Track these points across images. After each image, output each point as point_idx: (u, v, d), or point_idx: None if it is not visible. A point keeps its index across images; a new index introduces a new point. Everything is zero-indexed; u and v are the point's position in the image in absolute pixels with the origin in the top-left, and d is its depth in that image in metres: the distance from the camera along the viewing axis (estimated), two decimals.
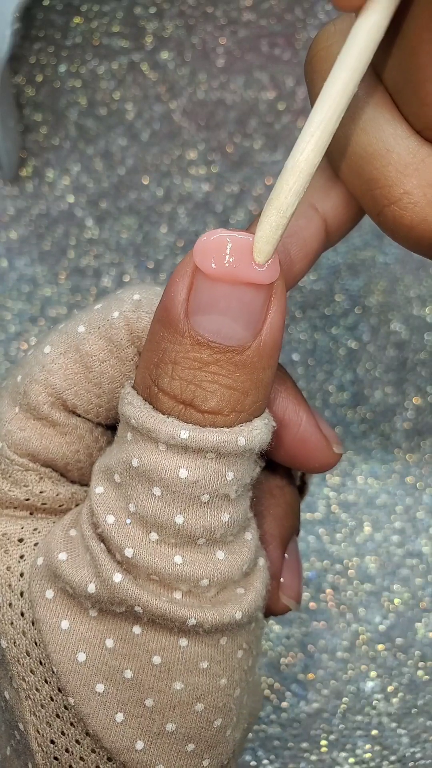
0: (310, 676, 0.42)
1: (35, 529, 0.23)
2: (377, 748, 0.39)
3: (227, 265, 0.19)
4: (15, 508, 0.24)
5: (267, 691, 0.41)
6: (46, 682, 0.22)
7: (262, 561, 0.23)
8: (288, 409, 0.23)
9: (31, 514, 0.24)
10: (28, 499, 0.23)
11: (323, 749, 0.39)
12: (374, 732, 0.40)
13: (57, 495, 0.24)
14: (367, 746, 0.39)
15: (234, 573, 0.21)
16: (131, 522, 0.21)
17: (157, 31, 0.46)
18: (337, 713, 0.41)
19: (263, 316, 0.20)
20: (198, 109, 0.47)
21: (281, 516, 0.25)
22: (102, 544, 0.21)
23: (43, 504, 0.24)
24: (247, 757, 0.39)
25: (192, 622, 0.21)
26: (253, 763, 0.39)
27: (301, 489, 0.27)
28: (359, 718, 0.40)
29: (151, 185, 0.48)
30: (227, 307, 0.20)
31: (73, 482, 0.24)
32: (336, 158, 0.21)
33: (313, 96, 0.20)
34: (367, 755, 0.39)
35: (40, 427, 0.23)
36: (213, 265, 0.19)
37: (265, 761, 0.39)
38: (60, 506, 0.24)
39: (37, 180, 0.47)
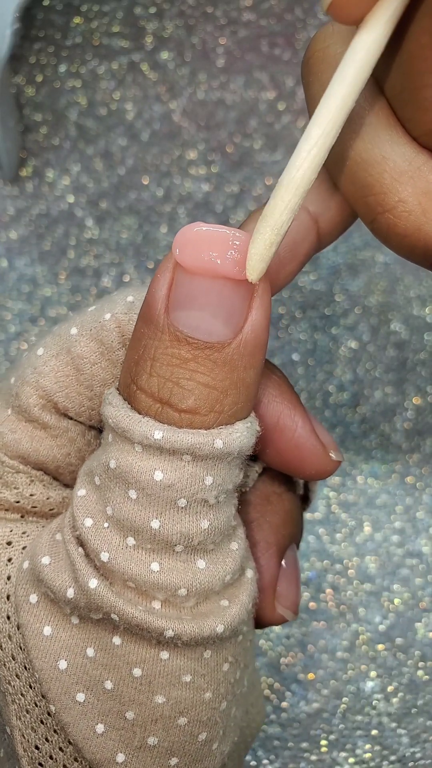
0: (310, 676, 0.42)
1: (24, 533, 0.23)
2: (377, 748, 0.39)
3: (205, 258, 0.19)
4: (6, 510, 0.23)
5: (267, 691, 0.41)
6: (30, 687, 0.21)
7: (250, 573, 0.22)
8: (283, 414, 0.23)
9: (22, 517, 0.23)
10: (18, 502, 0.23)
11: (323, 749, 0.39)
12: (374, 732, 0.40)
13: (48, 499, 0.23)
14: (367, 746, 0.39)
15: (215, 584, 0.21)
16: (109, 526, 0.20)
17: (157, 31, 0.46)
18: (337, 713, 0.41)
19: (245, 313, 0.20)
20: (198, 109, 0.47)
21: (278, 524, 0.24)
22: (80, 548, 0.21)
23: (33, 507, 0.23)
24: (247, 757, 0.39)
25: (170, 633, 0.20)
26: (253, 763, 0.39)
27: (305, 498, 0.27)
28: (359, 718, 0.40)
29: (151, 185, 0.48)
30: (206, 301, 0.19)
31: (66, 486, 0.24)
32: (331, 163, 0.21)
33: (308, 97, 0.20)
34: (367, 755, 0.39)
35: (31, 429, 0.23)
36: (192, 258, 0.19)
37: (265, 761, 0.39)
38: (51, 510, 0.24)
39: (37, 180, 0.47)
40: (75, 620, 0.21)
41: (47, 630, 0.21)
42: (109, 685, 0.21)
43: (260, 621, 0.24)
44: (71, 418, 0.23)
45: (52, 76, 0.46)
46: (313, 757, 0.39)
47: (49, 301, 0.47)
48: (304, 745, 0.39)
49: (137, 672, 0.20)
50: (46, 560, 0.21)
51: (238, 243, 0.19)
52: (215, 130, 0.47)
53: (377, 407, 0.48)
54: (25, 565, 0.22)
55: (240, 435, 0.20)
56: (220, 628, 0.21)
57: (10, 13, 0.40)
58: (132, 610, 0.20)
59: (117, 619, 0.20)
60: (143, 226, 0.48)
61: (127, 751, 0.21)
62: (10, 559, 0.22)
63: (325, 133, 0.18)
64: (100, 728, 0.21)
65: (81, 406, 0.23)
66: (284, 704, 0.41)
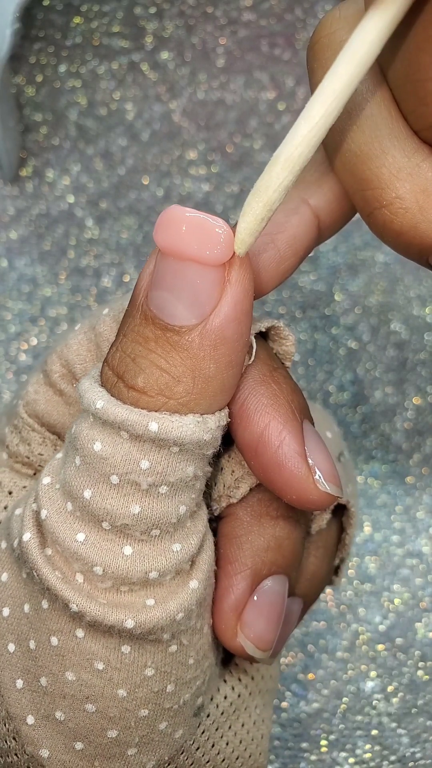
0: (310, 676, 0.42)
1: (24, 487, 0.24)
2: (377, 748, 0.39)
3: (174, 238, 0.19)
4: (23, 464, 0.25)
5: None
6: None
7: (195, 584, 0.21)
8: (269, 427, 0.21)
9: (35, 473, 0.25)
10: (28, 458, 0.24)
11: (323, 749, 0.39)
12: (374, 732, 0.40)
13: None
14: (367, 746, 0.39)
15: (134, 575, 0.20)
16: (60, 488, 0.21)
17: (157, 31, 0.46)
18: (337, 713, 0.41)
19: (213, 301, 0.19)
20: (198, 109, 0.47)
21: (261, 547, 0.23)
22: (35, 504, 0.21)
23: (40, 466, 0.24)
24: None
25: (74, 608, 0.20)
26: None
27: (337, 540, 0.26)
28: (359, 718, 0.40)
29: (151, 185, 0.48)
30: (172, 283, 0.19)
31: None
32: (330, 153, 0.20)
33: (313, 84, 0.20)
34: (367, 755, 0.39)
35: (51, 393, 0.24)
36: (162, 238, 0.19)
37: None
38: None
39: (37, 180, 0.47)
40: (23, 574, 0.21)
41: (4, 576, 0.22)
42: (32, 644, 0.21)
43: (224, 645, 0.23)
44: None
45: (52, 76, 0.46)
46: (313, 757, 0.39)
47: (49, 301, 0.47)
48: (304, 745, 0.39)
49: (54, 641, 0.21)
50: (18, 511, 0.22)
51: (209, 228, 0.19)
52: (215, 130, 0.47)
53: (377, 407, 0.48)
54: (9, 513, 0.23)
55: (181, 425, 0.19)
56: (129, 624, 0.20)
57: (10, 13, 0.40)
58: (47, 572, 0.20)
59: (36, 577, 0.20)
60: (143, 226, 0.48)
61: (36, 717, 0.21)
62: (6, 507, 0.24)
63: (326, 112, 0.17)
64: (19, 683, 0.21)
65: None
66: (284, 704, 0.41)
